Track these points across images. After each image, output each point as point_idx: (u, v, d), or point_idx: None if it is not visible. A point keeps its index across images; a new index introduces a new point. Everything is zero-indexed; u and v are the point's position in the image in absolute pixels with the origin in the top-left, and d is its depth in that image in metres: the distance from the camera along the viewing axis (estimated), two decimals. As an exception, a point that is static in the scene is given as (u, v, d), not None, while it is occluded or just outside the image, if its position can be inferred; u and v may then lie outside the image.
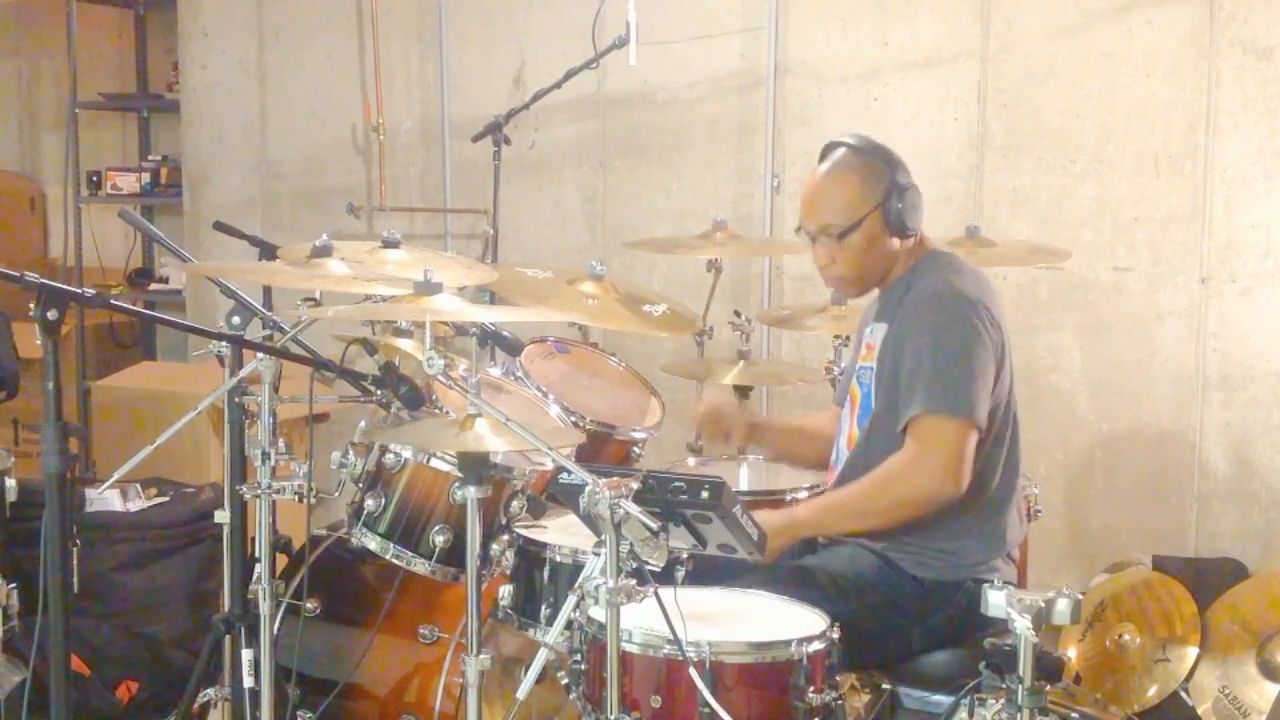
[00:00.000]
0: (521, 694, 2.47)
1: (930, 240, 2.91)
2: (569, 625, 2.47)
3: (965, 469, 2.66)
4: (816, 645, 2.35)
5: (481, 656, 2.52)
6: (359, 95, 5.35)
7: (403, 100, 5.29)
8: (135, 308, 3.52)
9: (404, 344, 3.04)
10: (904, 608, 2.74)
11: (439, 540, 2.82)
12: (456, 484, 2.72)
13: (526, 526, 2.88)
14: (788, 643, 2.33)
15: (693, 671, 2.21)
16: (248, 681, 2.74)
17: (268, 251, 3.35)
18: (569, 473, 2.32)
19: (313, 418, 2.92)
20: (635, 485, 2.19)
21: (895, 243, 2.82)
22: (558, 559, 2.75)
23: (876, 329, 2.88)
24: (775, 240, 4.58)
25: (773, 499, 3.09)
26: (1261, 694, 3.63)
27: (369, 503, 2.86)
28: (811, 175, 2.89)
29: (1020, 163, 4.26)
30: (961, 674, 2.37)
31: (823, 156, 2.89)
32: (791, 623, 2.43)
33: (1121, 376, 4.19)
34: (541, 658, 2.48)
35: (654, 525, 2.17)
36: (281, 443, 2.72)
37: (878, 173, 2.81)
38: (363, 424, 2.84)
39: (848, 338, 3.57)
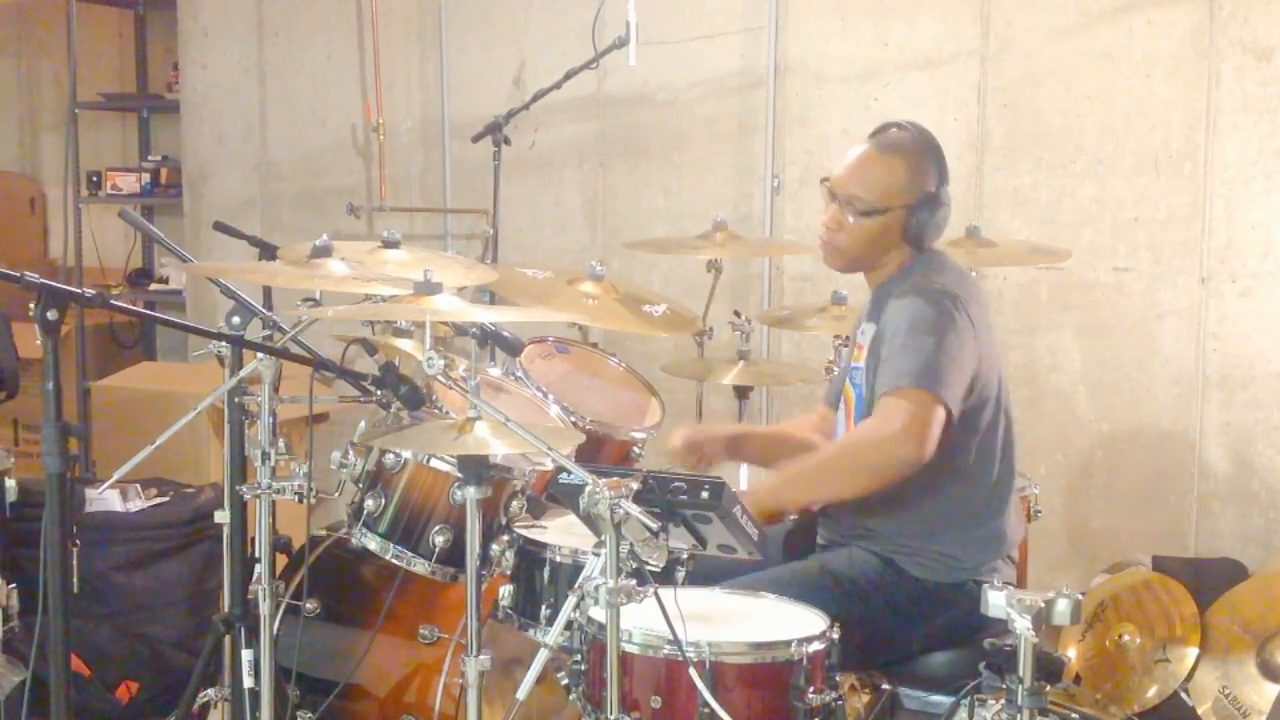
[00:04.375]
0: (521, 694, 2.47)
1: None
2: (569, 625, 2.47)
3: (929, 436, 2.60)
4: (816, 645, 2.35)
5: (481, 657, 2.52)
6: (359, 95, 5.35)
7: (403, 100, 5.29)
8: (135, 308, 3.52)
9: (404, 344, 3.04)
10: (905, 609, 2.74)
11: (439, 540, 2.82)
12: (456, 484, 2.72)
13: (526, 526, 2.88)
14: (788, 643, 2.33)
15: (693, 672, 2.21)
16: (248, 682, 2.74)
17: (268, 251, 3.35)
18: (569, 473, 2.33)
19: (313, 418, 2.92)
20: (635, 485, 2.19)
21: (904, 246, 2.82)
22: (558, 559, 2.75)
23: (867, 330, 2.87)
24: (775, 240, 4.58)
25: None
26: (1261, 694, 3.63)
27: (369, 503, 2.86)
28: (868, 143, 2.84)
29: (1020, 163, 4.26)
30: (961, 674, 2.37)
31: (884, 130, 2.85)
32: (791, 623, 2.43)
33: (1121, 376, 4.19)
34: (541, 658, 2.48)
35: (654, 525, 2.17)
36: (281, 443, 2.72)
37: (927, 176, 2.79)
38: (362, 424, 2.84)
39: (847, 338, 3.57)
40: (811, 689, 2.32)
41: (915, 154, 2.81)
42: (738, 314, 3.72)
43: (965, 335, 2.69)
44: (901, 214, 2.78)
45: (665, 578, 2.51)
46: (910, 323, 2.68)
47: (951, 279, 2.80)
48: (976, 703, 2.24)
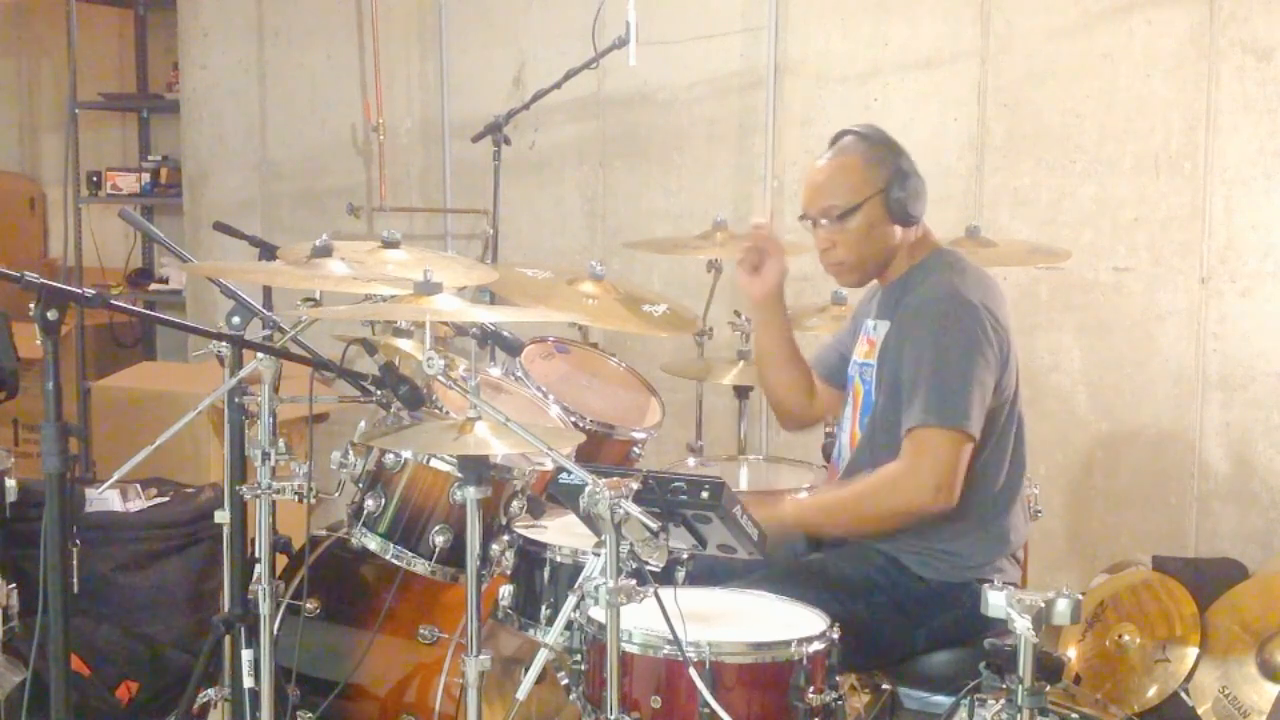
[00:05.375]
0: (521, 694, 2.46)
1: (935, 238, 2.91)
2: (569, 625, 2.47)
3: (957, 482, 2.66)
4: (816, 645, 2.35)
5: (481, 657, 2.52)
6: (359, 95, 5.35)
7: (403, 100, 5.29)
8: (135, 308, 3.52)
9: (404, 344, 3.04)
10: (908, 609, 2.74)
11: (439, 540, 2.82)
12: (456, 484, 2.72)
13: (526, 526, 2.88)
14: (788, 643, 2.33)
15: (693, 672, 2.21)
16: (248, 682, 2.74)
17: (268, 251, 3.35)
18: (569, 473, 2.32)
19: (313, 418, 2.92)
20: (635, 485, 2.19)
21: (897, 231, 2.82)
22: (558, 559, 2.75)
23: (879, 326, 2.87)
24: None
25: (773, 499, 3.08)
26: (1261, 694, 3.63)
27: (369, 503, 2.86)
28: (816, 162, 2.89)
29: (1020, 163, 4.26)
30: (961, 674, 2.37)
31: (831, 144, 2.90)
32: (791, 623, 2.43)
33: (1121, 376, 4.19)
34: (541, 658, 2.48)
35: (654, 525, 2.17)
36: (281, 443, 2.72)
37: (881, 158, 2.82)
38: (362, 424, 2.84)
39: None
40: (812, 689, 2.32)
41: (861, 146, 2.85)
42: (738, 314, 3.72)
43: (990, 353, 2.71)
44: (878, 200, 2.80)
45: (665, 578, 2.51)
46: (936, 345, 2.69)
47: (971, 281, 2.80)
48: (976, 703, 2.24)
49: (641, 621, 2.30)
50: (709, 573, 2.69)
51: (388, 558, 2.87)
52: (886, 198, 2.79)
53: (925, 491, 2.65)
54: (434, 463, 2.84)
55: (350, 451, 2.86)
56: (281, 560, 2.96)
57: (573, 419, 3.18)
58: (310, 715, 3.00)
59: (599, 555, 2.23)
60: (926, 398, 2.67)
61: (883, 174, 2.80)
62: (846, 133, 2.89)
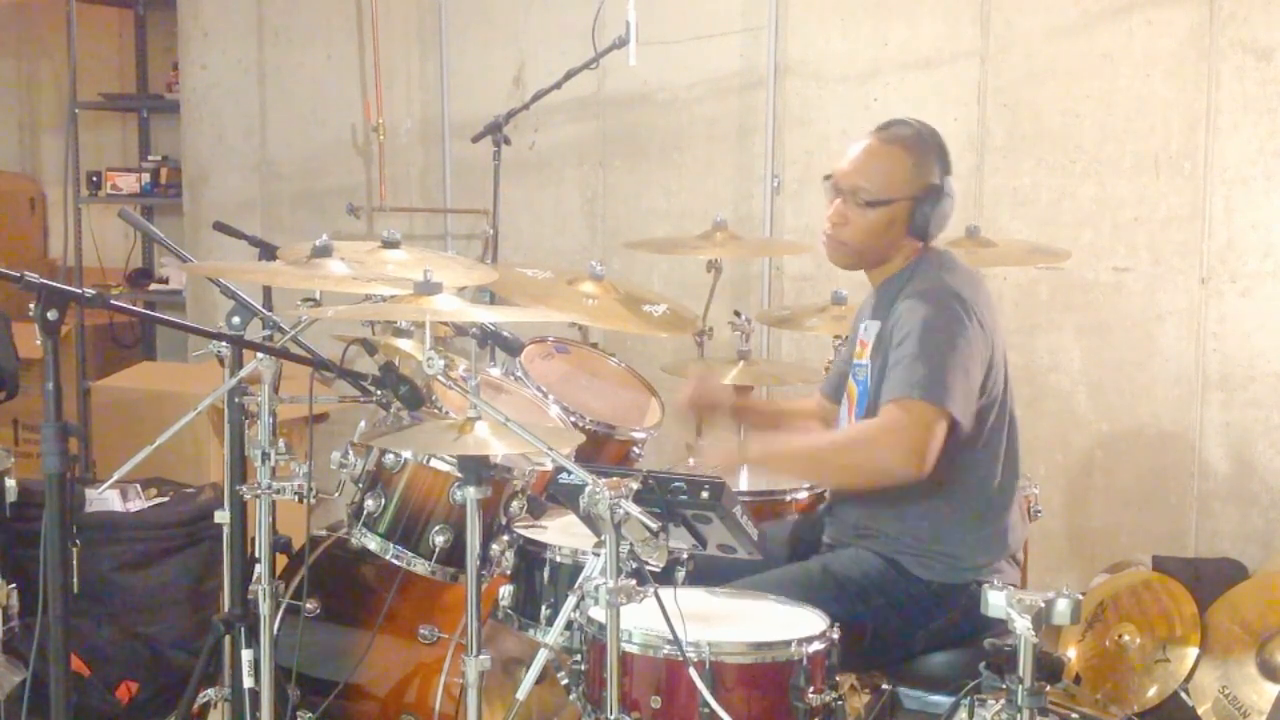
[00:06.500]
0: (521, 694, 2.47)
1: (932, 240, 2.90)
2: (569, 625, 2.47)
3: (931, 454, 2.61)
4: (816, 645, 2.35)
5: (481, 657, 2.52)
6: (359, 95, 5.35)
7: (403, 100, 5.29)
8: (135, 308, 3.51)
9: (404, 344, 3.04)
10: (907, 610, 2.73)
11: (439, 540, 2.82)
12: (456, 484, 2.72)
13: (526, 526, 2.88)
14: (787, 643, 2.33)
15: (692, 672, 2.21)
16: (248, 682, 2.74)
17: (267, 252, 3.35)
18: (569, 473, 2.33)
19: (313, 418, 2.92)
20: (635, 485, 2.20)
21: (907, 240, 2.82)
22: (558, 559, 2.75)
23: (871, 326, 2.87)
24: (775, 240, 4.58)
25: (773, 499, 3.09)
26: (1261, 694, 3.63)
27: (369, 503, 2.86)
28: (870, 137, 2.85)
29: (1020, 163, 4.26)
30: (961, 674, 2.37)
31: (886, 125, 2.86)
32: (791, 623, 2.43)
33: (1121, 376, 4.19)
34: (541, 658, 2.48)
35: (654, 525, 2.17)
36: (281, 443, 2.72)
37: (930, 168, 2.80)
38: (362, 424, 2.84)
39: (847, 337, 3.58)
40: (811, 689, 2.32)
41: (918, 146, 2.81)
42: (738, 314, 3.72)
43: (976, 343, 2.69)
44: (907, 205, 2.78)
45: (665, 578, 2.51)
46: (921, 329, 2.68)
47: (961, 279, 2.80)
48: (976, 703, 2.24)
49: (641, 621, 2.30)
50: (709, 573, 2.69)
51: (387, 558, 2.87)
52: (915, 206, 2.77)
53: (897, 454, 2.61)
54: (434, 463, 2.84)
55: (350, 451, 2.86)
56: (281, 560, 2.96)
57: (572, 419, 3.18)
58: (310, 715, 3.00)
59: (599, 555, 2.23)
60: (909, 372, 2.64)
61: (924, 182, 2.78)
62: (909, 123, 2.84)
